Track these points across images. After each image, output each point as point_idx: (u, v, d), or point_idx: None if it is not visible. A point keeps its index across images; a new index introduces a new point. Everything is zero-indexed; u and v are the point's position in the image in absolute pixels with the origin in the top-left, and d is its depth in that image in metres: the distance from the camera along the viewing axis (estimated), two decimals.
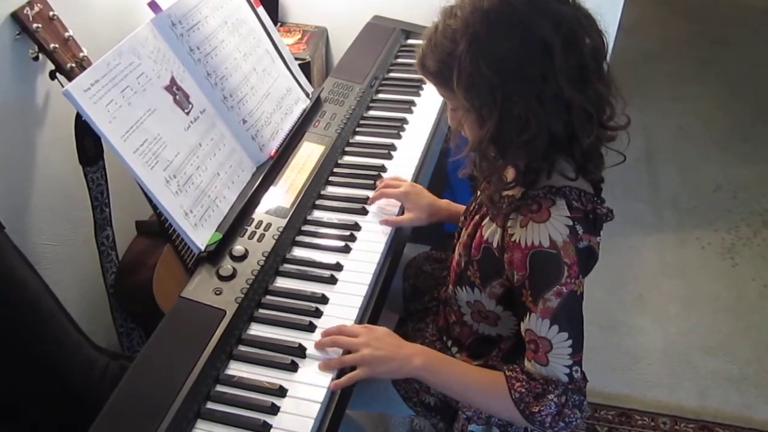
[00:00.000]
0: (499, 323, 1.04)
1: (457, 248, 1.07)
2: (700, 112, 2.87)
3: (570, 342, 0.87)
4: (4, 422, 1.18)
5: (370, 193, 1.25)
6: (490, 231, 0.96)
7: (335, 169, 1.32)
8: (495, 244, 0.95)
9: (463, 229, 1.05)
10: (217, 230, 1.11)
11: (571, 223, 0.86)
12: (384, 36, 1.70)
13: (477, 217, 1.02)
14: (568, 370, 0.88)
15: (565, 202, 0.87)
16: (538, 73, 0.81)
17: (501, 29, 0.81)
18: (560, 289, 0.85)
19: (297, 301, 1.05)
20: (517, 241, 0.89)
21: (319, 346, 0.97)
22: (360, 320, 1.05)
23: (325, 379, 0.94)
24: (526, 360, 0.91)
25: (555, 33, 0.80)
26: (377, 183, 1.27)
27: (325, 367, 0.94)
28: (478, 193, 1.06)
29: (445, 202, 1.23)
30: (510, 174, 0.94)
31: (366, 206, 1.23)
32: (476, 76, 0.82)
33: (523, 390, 0.89)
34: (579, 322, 0.88)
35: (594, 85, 0.84)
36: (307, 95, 1.46)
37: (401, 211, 1.22)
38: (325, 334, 0.99)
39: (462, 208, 1.16)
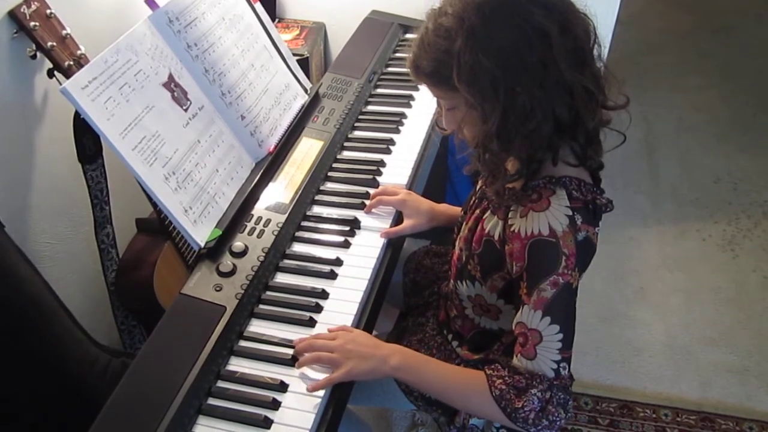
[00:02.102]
0: (500, 317, 1.04)
1: (457, 243, 1.07)
2: (700, 103, 2.86)
3: (560, 336, 0.85)
4: (5, 420, 1.18)
5: (370, 189, 1.25)
6: (491, 224, 0.96)
7: (334, 165, 1.32)
8: (496, 237, 0.95)
9: (464, 224, 1.05)
10: (216, 227, 1.11)
11: (570, 212, 0.86)
12: (382, 31, 1.69)
13: (478, 211, 1.01)
14: (555, 365, 0.86)
15: (565, 191, 0.87)
16: (538, 59, 0.81)
17: (497, 20, 0.81)
18: (556, 279, 0.85)
19: (297, 296, 1.05)
20: (517, 231, 0.89)
21: (297, 353, 0.96)
22: (360, 315, 1.05)
23: (327, 374, 0.94)
24: (514, 356, 0.89)
25: (549, 19, 0.80)
26: (371, 192, 1.24)
27: (312, 388, 0.92)
28: (478, 187, 1.06)
29: (443, 206, 1.22)
30: (512, 166, 0.94)
31: (365, 201, 1.23)
32: (477, 70, 0.82)
33: (504, 387, 0.87)
34: (572, 317, 0.87)
35: (591, 67, 0.85)
36: (306, 91, 1.45)
37: (395, 220, 1.21)
38: (299, 343, 0.97)
39: (458, 210, 1.16)
